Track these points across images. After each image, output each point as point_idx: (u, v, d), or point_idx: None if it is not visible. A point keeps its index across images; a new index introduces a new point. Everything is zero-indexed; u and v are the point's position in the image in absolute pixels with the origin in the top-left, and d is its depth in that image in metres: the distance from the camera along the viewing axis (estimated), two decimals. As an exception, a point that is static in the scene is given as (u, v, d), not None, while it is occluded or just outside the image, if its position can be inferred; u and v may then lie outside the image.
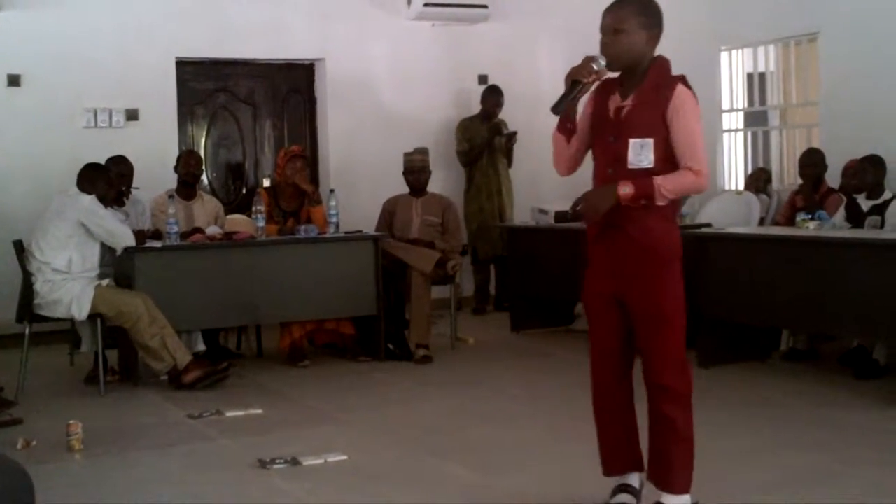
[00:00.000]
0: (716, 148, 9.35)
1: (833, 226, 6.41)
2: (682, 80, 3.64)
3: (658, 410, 3.66)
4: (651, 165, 3.52)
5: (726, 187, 9.24)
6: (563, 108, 3.65)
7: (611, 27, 3.58)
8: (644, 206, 3.51)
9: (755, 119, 9.47)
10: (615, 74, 3.67)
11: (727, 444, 4.77)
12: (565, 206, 8.00)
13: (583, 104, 3.78)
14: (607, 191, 3.53)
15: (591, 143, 3.73)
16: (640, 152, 3.54)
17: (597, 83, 3.67)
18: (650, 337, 3.65)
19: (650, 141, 3.53)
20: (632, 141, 3.55)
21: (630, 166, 3.54)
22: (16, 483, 2.56)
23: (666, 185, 3.50)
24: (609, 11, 3.61)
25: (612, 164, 3.60)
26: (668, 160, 3.54)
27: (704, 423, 5.15)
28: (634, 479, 3.82)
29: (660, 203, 3.52)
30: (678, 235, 3.67)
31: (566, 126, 3.71)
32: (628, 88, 3.64)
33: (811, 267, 5.92)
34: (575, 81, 3.61)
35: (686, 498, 3.68)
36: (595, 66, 3.60)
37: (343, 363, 7.01)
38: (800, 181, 7.36)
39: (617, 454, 3.81)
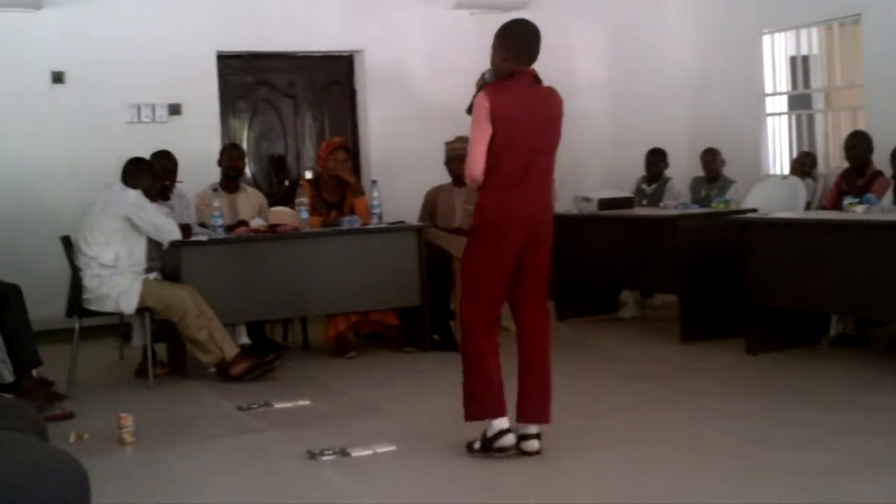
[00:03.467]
0: (759, 132, 9.29)
1: (881, 209, 6.32)
2: (484, 88, 4.44)
3: None
4: None
5: (771, 172, 9.17)
6: (471, 111, 4.48)
7: None
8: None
9: (799, 102, 9.38)
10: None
11: (780, 432, 4.74)
12: (608, 193, 7.97)
13: None
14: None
15: None
16: None
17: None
18: None
19: None
20: None
21: None
22: (71, 477, 2.58)
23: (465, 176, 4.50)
24: None
25: None
26: (491, 152, 4.40)
27: (755, 411, 5.17)
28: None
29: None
30: (490, 210, 4.41)
31: None
32: None
33: (859, 251, 5.85)
34: (479, 89, 4.47)
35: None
36: (486, 77, 4.49)
37: (388, 354, 7.02)
38: (846, 164, 7.27)
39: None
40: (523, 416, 4.50)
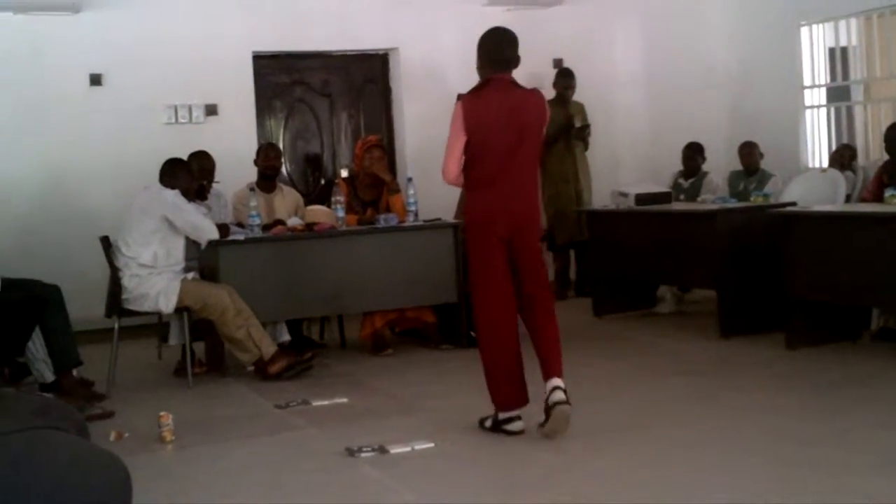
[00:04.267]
0: (798, 125, 9.20)
1: (923, 201, 6.24)
2: (460, 95, 4.80)
3: None
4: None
5: (810, 165, 9.08)
6: None
7: None
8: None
9: (838, 94, 9.29)
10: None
11: (821, 426, 4.69)
12: (646, 188, 7.93)
13: None
14: None
15: None
16: None
17: None
18: None
19: None
20: None
21: None
22: (114, 474, 2.60)
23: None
24: None
25: None
26: (467, 154, 4.77)
27: (796, 405, 5.13)
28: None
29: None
30: (470, 211, 4.84)
31: None
32: None
33: (901, 244, 5.78)
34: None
35: None
36: None
37: (425, 351, 7.02)
38: (885, 157, 7.18)
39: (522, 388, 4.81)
40: (545, 374, 4.73)
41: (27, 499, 2.36)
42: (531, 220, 4.87)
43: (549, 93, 9.27)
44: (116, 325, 6.31)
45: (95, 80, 8.21)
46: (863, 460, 4.17)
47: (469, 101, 4.75)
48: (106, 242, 6.37)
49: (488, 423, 4.83)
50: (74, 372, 6.01)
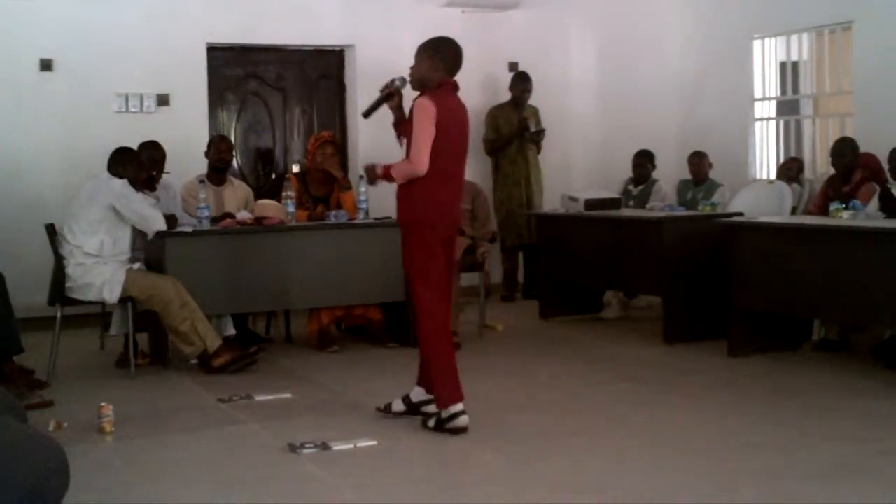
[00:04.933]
0: (747, 136, 9.31)
1: (867, 215, 6.34)
2: (424, 94, 4.86)
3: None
4: (405, 157, 4.86)
5: (757, 176, 9.19)
6: (370, 115, 5.13)
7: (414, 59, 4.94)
8: (400, 185, 4.89)
9: (787, 108, 9.40)
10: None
11: (759, 435, 4.76)
12: (595, 194, 7.98)
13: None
14: (374, 167, 5.02)
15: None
16: (403, 147, 4.91)
17: (397, 97, 5.04)
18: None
19: (404, 139, 4.90)
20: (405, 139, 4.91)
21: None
22: (52, 456, 2.59)
23: (393, 169, 4.88)
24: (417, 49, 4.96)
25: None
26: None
27: (735, 413, 5.19)
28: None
29: (397, 182, 4.90)
30: (421, 207, 4.84)
31: (399, 128, 5.04)
32: None
33: (844, 256, 5.86)
34: (381, 96, 5.07)
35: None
36: (395, 84, 5.01)
37: (371, 349, 7.02)
38: (832, 170, 7.29)
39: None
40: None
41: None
42: (459, 225, 5.18)
43: (505, 95, 9.31)
44: (59, 314, 6.24)
45: (46, 65, 8.10)
46: (801, 469, 4.23)
47: (437, 98, 4.83)
48: (51, 230, 6.30)
49: (431, 423, 4.86)
50: (15, 359, 5.92)
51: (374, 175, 5.02)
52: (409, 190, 4.88)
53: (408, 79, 4.99)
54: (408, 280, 4.99)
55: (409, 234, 4.93)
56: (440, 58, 4.91)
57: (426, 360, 4.96)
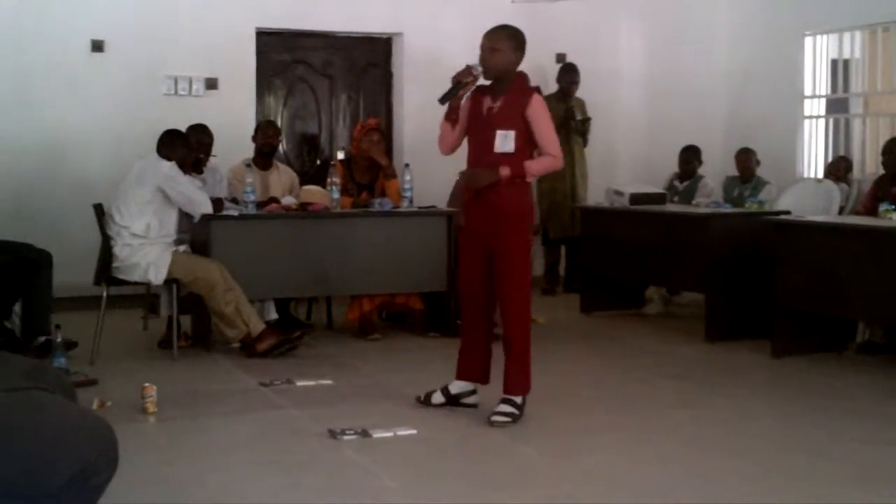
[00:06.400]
0: (796, 134, 9.23)
1: (917, 217, 6.26)
2: (538, 90, 4.89)
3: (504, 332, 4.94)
4: (512, 151, 4.74)
5: (805, 175, 9.11)
6: (448, 101, 4.85)
7: (488, 46, 4.79)
8: (508, 182, 4.74)
9: (837, 106, 9.31)
10: (487, 81, 4.86)
11: (798, 438, 4.72)
12: (641, 188, 7.94)
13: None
14: (490, 171, 4.76)
15: (467, 132, 4.92)
16: (505, 141, 4.75)
17: (474, 86, 4.86)
18: (502, 278, 4.83)
19: (512, 132, 4.74)
20: (498, 132, 4.75)
21: (496, 151, 4.76)
22: (102, 435, 2.62)
23: (533, 167, 4.82)
24: (488, 35, 4.82)
25: (482, 150, 4.81)
26: (524, 148, 4.78)
27: (775, 414, 5.15)
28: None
29: (528, 180, 4.86)
30: (529, 203, 4.92)
31: (452, 117, 4.90)
32: (497, 93, 4.83)
33: (892, 259, 5.80)
34: (458, 82, 4.82)
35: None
36: (474, 73, 4.81)
37: (412, 338, 7.03)
38: (882, 171, 7.20)
39: (473, 364, 5.04)
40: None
41: (17, 457, 2.37)
42: None
43: (552, 87, 9.27)
44: (105, 294, 6.30)
45: (97, 46, 8.17)
46: (842, 472, 4.19)
47: None
48: (99, 210, 6.35)
49: (507, 409, 4.84)
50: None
51: (496, 180, 4.75)
52: (521, 184, 4.83)
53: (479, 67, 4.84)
54: (510, 267, 4.80)
55: (520, 224, 4.85)
56: (522, 53, 4.87)
57: (513, 345, 4.87)
